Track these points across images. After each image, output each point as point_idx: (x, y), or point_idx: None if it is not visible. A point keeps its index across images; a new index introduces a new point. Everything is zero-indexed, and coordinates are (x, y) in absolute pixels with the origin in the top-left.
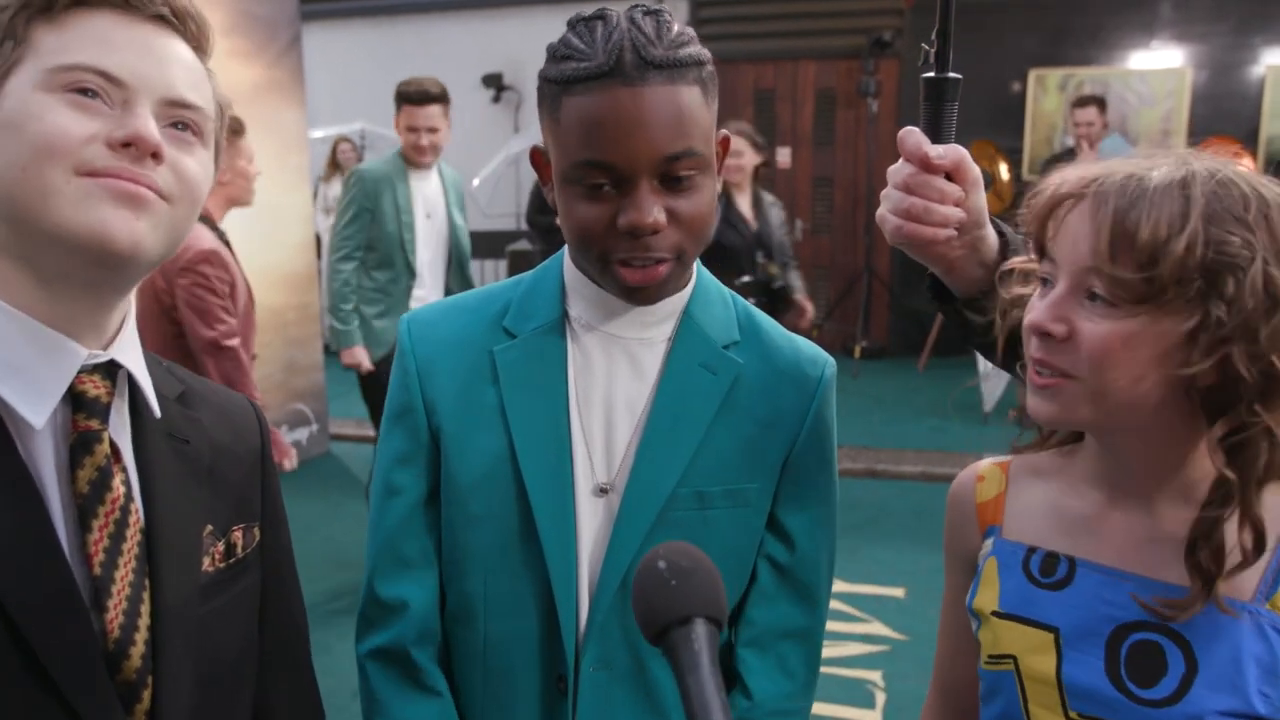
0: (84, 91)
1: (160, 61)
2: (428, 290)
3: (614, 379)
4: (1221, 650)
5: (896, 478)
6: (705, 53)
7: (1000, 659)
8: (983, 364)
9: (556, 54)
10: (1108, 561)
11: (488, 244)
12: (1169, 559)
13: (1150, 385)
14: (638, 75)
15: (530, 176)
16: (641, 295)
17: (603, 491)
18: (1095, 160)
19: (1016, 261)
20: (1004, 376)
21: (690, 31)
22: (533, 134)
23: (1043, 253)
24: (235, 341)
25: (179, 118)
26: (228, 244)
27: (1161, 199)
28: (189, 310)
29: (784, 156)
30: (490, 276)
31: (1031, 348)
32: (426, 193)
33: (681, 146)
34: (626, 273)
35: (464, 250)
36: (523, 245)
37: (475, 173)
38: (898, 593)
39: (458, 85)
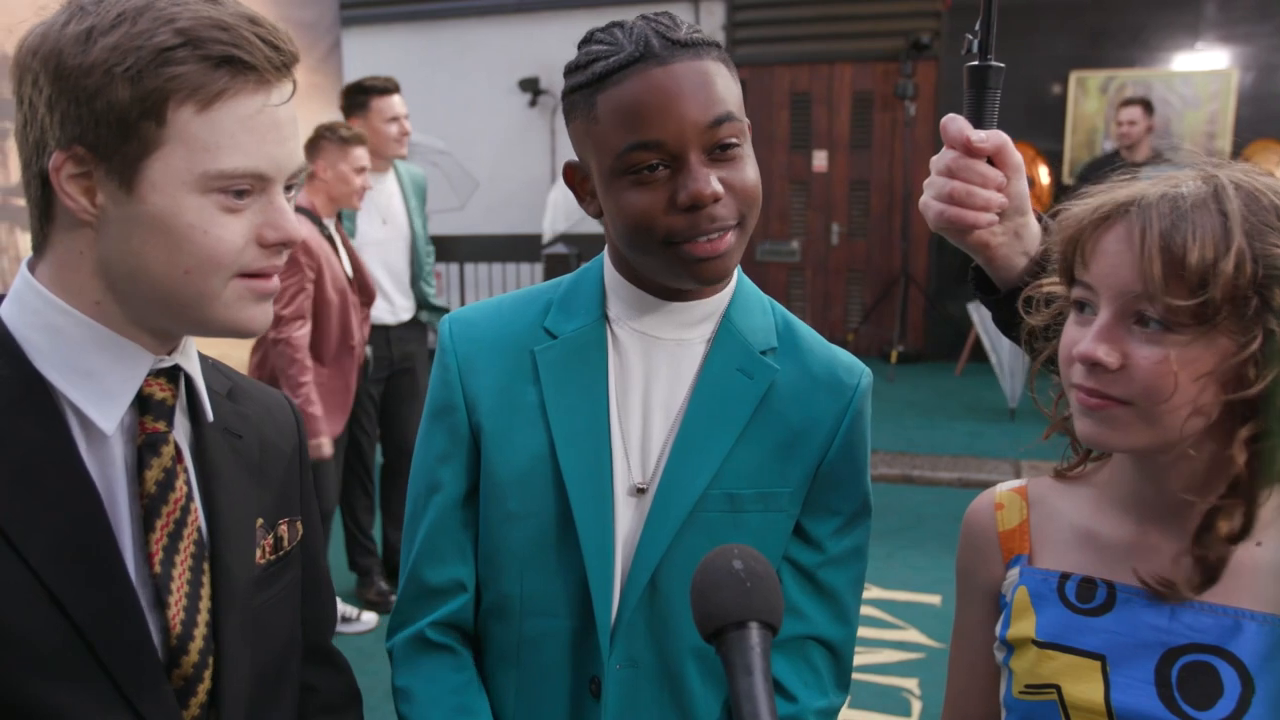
0: (236, 193)
1: (286, 138)
2: (388, 296)
3: (652, 380)
4: (1277, 666)
5: (932, 483)
6: (719, 41)
7: (1040, 689)
8: (1004, 362)
9: (579, 64)
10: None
11: (525, 248)
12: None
13: (1206, 406)
14: (667, 54)
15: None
16: (711, 269)
17: (639, 491)
18: (1139, 167)
19: (1043, 285)
20: (1021, 372)
21: (701, 29)
22: (569, 138)
23: (1072, 278)
24: (292, 330)
25: (292, 184)
26: (331, 240)
27: (1201, 217)
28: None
29: (820, 160)
30: (526, 280)
31: (1077, 375)
32: (378, 197)
33: (721, 111)
34: (697, 248)
35: (421, 259)
36: (558, 249)
37: (511, 176)
38: (933, 600)
39: (495, 89)
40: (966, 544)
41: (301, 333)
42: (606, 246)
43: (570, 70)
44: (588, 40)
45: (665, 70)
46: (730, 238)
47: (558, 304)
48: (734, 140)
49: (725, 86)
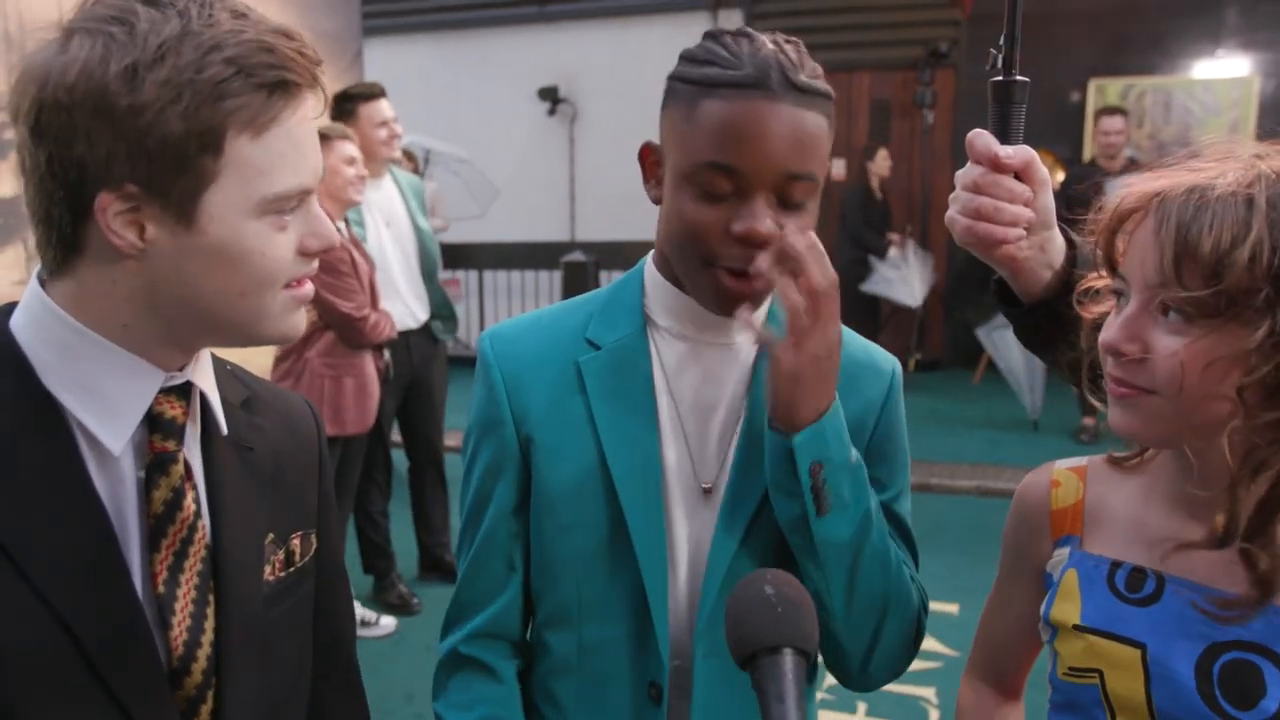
0: (285, 210)
1: (317, 147)
2: (405, 301)
3: (704, 382)
4: None
5: (951, 492)
6: (832, 91)
7: (1083, 672)
8: (1020, 378)
9: (697, 58)
10: (1198, 579)
11: (544, 255)
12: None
13: (1227, 397)
14: (781, 92)
15: (579, 193)
16: (734, 306)
17: (706, 491)
18: (1125, 176)
19: (1094, 279)
20: (1040, 385)
21: (821, 70)
22: (587, 146)
23: (1113, 269)
24: (365, 313)
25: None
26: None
27: (1224, 209)
28: (324, 291)
29: (838, 168)
30: (545, 287)
31: (1108, 365)
32: (380, 201)
33: (804, 168)
34: (729, 280)
35: (433, 257)
36: (577, 257)
37: (530, 184)
38: (951, 608)
39: (514, 98)
40: (1017, 518)
41: (364, 313)
42: (654, 251)
43: (687, 59)
44: (717, 38)
45: (772, 107)
46: (762, 283)
47: (598, 315)
48: (804, 199)
49: (819, 144)
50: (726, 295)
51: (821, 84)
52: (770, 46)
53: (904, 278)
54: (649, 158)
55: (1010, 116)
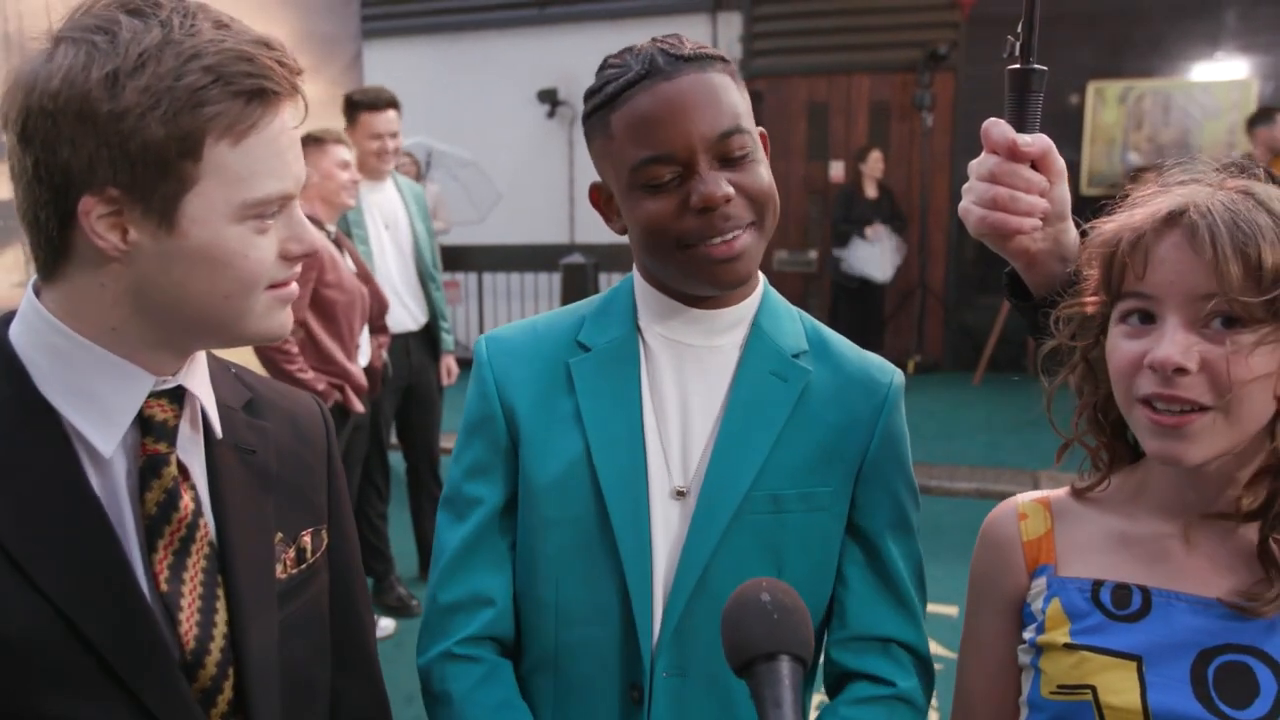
0: (266, 215)
1: (300, 153)
2: (405, 303)
3: (687, 386)
4: None
5: (950, 494)
6: (725, 55)
7: (1074, 689)
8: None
9: (594, 89)
10: (1187, 589)
11: (543, 257)
12: (1257, 581)
13: (1269, 405)
14: (672, 69)
15: (579, 195)
16: (727, 271)
17: (679, 494)
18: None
19: (1085, 304)
20: None
21: (707, 46)
22: (586, 148)
23: (1119, 291)
24: (308, 376)
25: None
26: (338, 243)
27: (1261, 219)
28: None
29: (837, 170)
30: (544, 290)
31: (1147, 385)
32: (381, 203)
33: (729, 124)
34: (712, 249)
35: (427, 263)
36: (576, 259)
37: (530, 186)
38: (950, 610)
39: (513, 100)
40: (986, 552)
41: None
42: (635, 261)
43: (587, 96)
44: (603, 67)
45: (672, 84)
46: (745, 238)
47: (591, 319)
48: (743, 152)
49: (732, 98)
50: (715, 265)
51: (708, 51)
52: (648, 43)
53: (876, 255)
54: (598, 197)
55: (1028, 105)
